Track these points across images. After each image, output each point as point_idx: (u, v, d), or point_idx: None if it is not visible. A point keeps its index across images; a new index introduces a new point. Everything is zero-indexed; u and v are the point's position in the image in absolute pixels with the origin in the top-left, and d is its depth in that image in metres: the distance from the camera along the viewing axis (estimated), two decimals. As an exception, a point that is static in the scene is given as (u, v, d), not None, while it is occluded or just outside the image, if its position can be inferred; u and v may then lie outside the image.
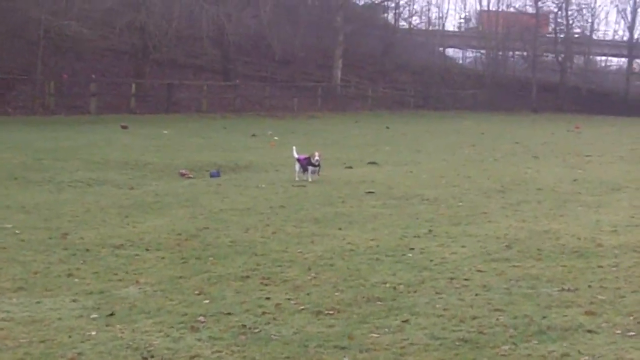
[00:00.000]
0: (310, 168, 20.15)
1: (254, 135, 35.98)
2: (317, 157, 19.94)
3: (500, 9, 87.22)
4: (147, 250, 12.06)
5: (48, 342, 7.76)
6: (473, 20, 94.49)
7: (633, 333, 7.75)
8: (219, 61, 57.68)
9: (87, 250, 11.97)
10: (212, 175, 22.17)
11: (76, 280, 10.25)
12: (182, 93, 50.61)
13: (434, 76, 76.10)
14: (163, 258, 11.54)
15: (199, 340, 7.82)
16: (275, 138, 34.65)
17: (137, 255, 11.73)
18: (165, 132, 35.34)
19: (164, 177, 21.81)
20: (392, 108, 64.41)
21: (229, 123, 43.85)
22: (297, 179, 20.17)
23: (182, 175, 22.28)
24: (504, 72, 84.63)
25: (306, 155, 20.51)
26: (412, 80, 73.38)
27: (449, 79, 77.56)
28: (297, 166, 20.49)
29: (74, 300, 9.27)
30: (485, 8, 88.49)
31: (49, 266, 10.97)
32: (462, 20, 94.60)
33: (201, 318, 8.54)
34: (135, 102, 46.52)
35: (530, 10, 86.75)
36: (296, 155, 20.77)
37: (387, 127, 45.08)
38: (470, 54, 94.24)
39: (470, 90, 76.52)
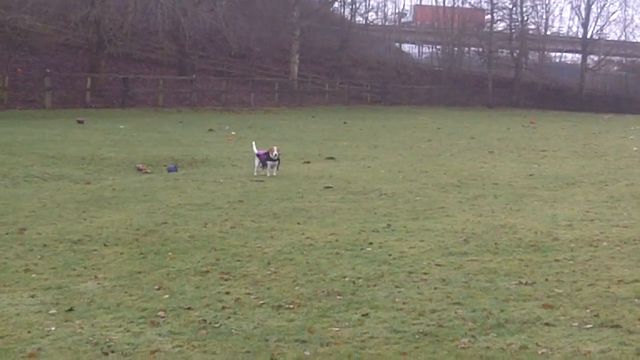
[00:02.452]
0: (269, 163, 20.14)
1: (211, 130, 35.88)
2: (275, 152, 19.93)
3: (456, 5, 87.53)
4: (105, 245, 12.00)
5: (6, 337, 7.71)
6: (408, 15, 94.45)
7: (590, 325, 7.86)
8: (174, 55, 57.42)
9: (45, 245, 11.89)
10: (169, 170, 22.11)
11: (34, 275, 10.19)
12: (138, 87, 50.32)
13: (390, 71, 76.43)
14: (121, 253, 11.50)
15: (160, 335, 7.82)
16: (233, 133, 34.59)
17: (95, 250, 11.67)
18: (122, 126, 35.13)
19: (121, 171, 21.70)
20: (349, 103, 64.53)
21: (185, 118, 43.67)
22: (255, 173, 20.17)
23: (139, 170, 22.19)
24: (460, 67, 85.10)
25: (265, 151, 20.50)
26: (369, 76, 73.60)
27: (405, 74, 77.89)
28: (257, 161, 20.49)
29: (32, 296, 9.22)
30: (438, 3, 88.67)
31: (6, 261, 10.89)
32: (397, 14, 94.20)
33: (161, 313, 8.53)
34: (90, 97, 46.16)
35: (485, 6, 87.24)
36: (255, 151, 20.80)
37: (345, 122, 45.15)
38: (426, 49, 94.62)
39: (426, 86, 76.91)
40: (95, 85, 47.38)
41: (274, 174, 20.08)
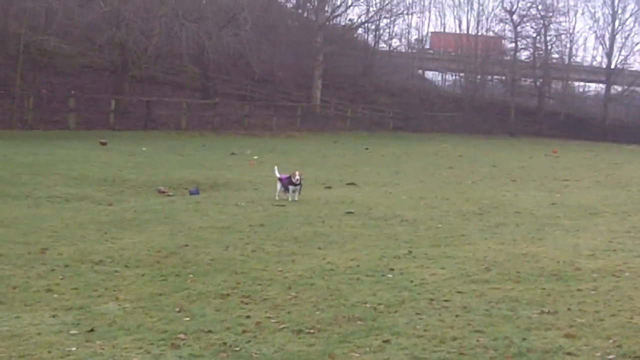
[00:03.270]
0: (290, 187, 20.15)
1: (233, 153, 35.99)
2: (297, 177, 20.02)
3: (479, 33, 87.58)
4: (126, 266, 12.03)
5: (27, 357, 7.72)
6: (425, 42, 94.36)
7: (612, 356, 7.79)
8: (198, 79, 57.70)
9: (66, 265, 11.93)
10: (191, 193, 22.16)
11: (55, 295, 10.22)
12: (161, 110, 50.54)
13: (413, 98, 76.44)
14: (143, 275, 11.52)
15: (180, 357, 7.81)
16: (255, 157, 34.66)
17: (116, 271, 11.70)
18: (144, 149, 35.30)
19: (143, 193, 21.77)
20: (371, 129, 64.54)
21: (207, 141, 43.83)
22: (277, 198, 20.21)
23: (161, 192, 22.26)
24: (483, 95, 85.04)
25: (287, 175, 20.55)
26: (391, 102, 73.64)
27: (428, 101, 77.88)
28: (279, 185, 20.56)
29: (53, 316, 9.24)
30: (465, 31, 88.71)
31: (28, 281, 10.93)
32: (415, 42, 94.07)
33: (181, 335, 8.52)
34: (114, 118, 46.41)
35: (509, 34, 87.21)
36: (278, 175, 20.83)
37: (366, 148, 45.18)
38: (449, 77, 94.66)
39: (449, 113, 76.86)
40: (119, 107, 47.65)
41: (296, 198, 20.06)
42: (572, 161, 41.87)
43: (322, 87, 66.01)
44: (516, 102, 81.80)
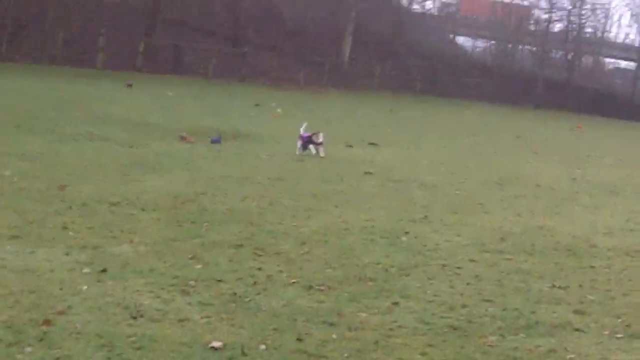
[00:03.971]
0: (311, 146, 20.37)
1: (257, 105, 35.92)
2: (321, 139, 20.26)
3: (513, 1, 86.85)
4: (143, 210, 12.07)
5: (39, 292, 7.77)
6: (459, 7, 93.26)
7: (621, 335, 7.78)
8: (229, 27, 57.51)
9: (84, 204, 11.98)
10: (213, 141, 22.15)
11: (71, 233, 10.27)
12: (189, 55, 50.48)
13: (442, 62, 75.99)
14: (159, 219, 11.56)
15: (189, 304, 7.85)
16: (279, 110, 34.59)
17: (133, 214, 11.74)
18: (170, 93, 35.30)
19: (165, 138, 21.78)
20: (398, 90, 64.28)
21: (233, 90, 43.76)
22: (297, 153, 20.28)
23: (183, 138, 22.25)
24: (512, 65, 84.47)
25: (310, 134, 20.69)
26: (420, 65, 73.18)
27: (457, 66, 77.42)
28: (299, 142, 20.79)
29: (67, 254, 9.29)
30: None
31: (45, 217, 10.99)
32: (446, 5, 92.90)
33: (192, 282, 8.56)
34: (142, 60, 46.35)
35: (543, 4, 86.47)
36: (301, 132, 20.89)
37: (391, 110, 45.01)
38: (480, 43, 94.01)
39: (477, 80, 76.41)
40: (147, 49, 47.57)
41: (322, 154, 20.31)
42: (596, 137, 41.63)
43: (352, 44, 65.62)
44: (545, 74, 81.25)
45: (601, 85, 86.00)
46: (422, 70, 71.90)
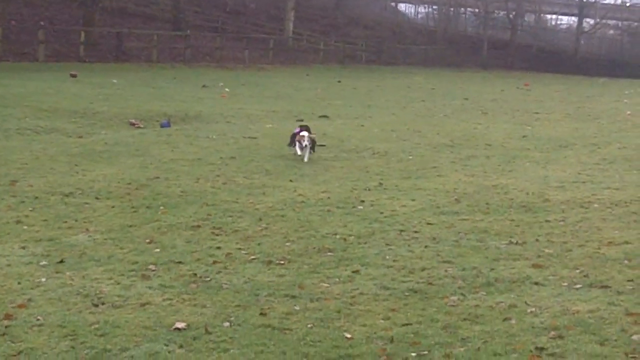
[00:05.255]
0: (297, 144, 16.51)
1: (204, 86, 35.70)
2: (305, 142, 16.17)
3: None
4: (97, 198, 12.00)
5: (-3, 288, 7.72)
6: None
7: (579, 285, 7.89)
8: (169, 10, 57.09)
9: (36, 197, 11.88)
10: (162, 126, 22.01)
11: (25, 227, 10.19)
12: (132, 42, 49.97)
13: (386, 31, 76.04)
14: (113, 207, 11.50)
15: (150, 288, 7.83)
16: (227, 90, 34.43)
17: (86, 203, 11.67)
18: (115, 81, 34.95)
19: (114, 126, 21.61)
20: (344, 62, 64.23)
21: (179, 73, 43.47)
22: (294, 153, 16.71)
23: (132, 124, 22.10)
24: (456, 28, 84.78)
25: (298, 130, 16.77)
26: (364, 35, 73.14)
27: (401, 34, 77.53)
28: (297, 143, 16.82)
29: (23, 247, 9.22)
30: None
31: (-3, 213, 10.88)
32: None
33: (152, 266, 8.55)
34: (84, 51, 45.84)
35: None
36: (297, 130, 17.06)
37: (339, 81, 44.98)
38: (422, 9, 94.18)
39: (422, 46, 76.60)
40: (89, 39, 47.00)
41: (305, 159, 16.17)
42: (544, 94, 41.91)
43: (294, 20, 65.42)
44: (489, 35, 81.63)
45: (545, 42, 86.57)
46: (366, 41, 71.84)
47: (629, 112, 29.49)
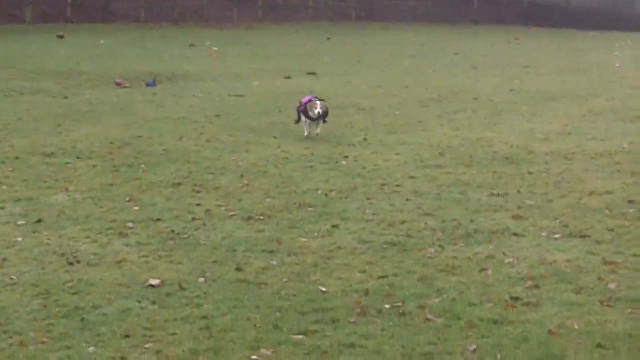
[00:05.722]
0: (305, 119, 13.92)
1: (192, 45, 35.48)
2: (318, 110, 13.55)
3: None
4: (78, 158, 11.91)
5: (-28, 248, 7.67)
6: None
7: (558, 235, 7.86)
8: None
9: (17, 158, 11.79)
10: (148, 85, 21.85)
11: (4, 187, 10.12)
12: (119, 2, 49.58)
13: (376, -13, 75.49)
14: (95, 166, 11.43)
15: (127, 245, 7.79)
16: (215, 49, 34.22)
17: (68, 163, 11.59)
18: (102, 42, 34.70)
19: (99, 86, 21.45)
20: (334, 19, 63.80)
21: (167, 33, 43.14)
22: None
23: (118, 84, 21.93)
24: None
25: (308, 99, 13.96)
26: (354, -9, 72.60)
27: (391, -10, 76.95)
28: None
29: (1, 208, 9.16)
30: None
31: (-23, 174, 10.81)
32: None
33: (130, 224, 8.50)
34: (71, 12, 45.51)
35: None
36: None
37: (328, 38, 44.70)
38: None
39: (412, 2, 76.13)
40: (76, 0, 46.68)
41: (318, 131, 13.94)
42: (534, 48, 41.69)
43: (283, -23, 64.93)
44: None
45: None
46: (357, -3, 71.32)
47: (618, 65, 29.36)
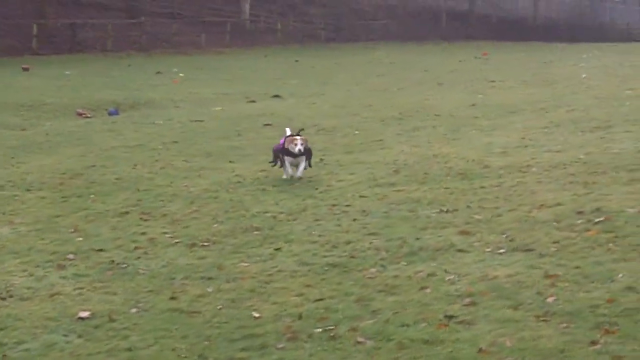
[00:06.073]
0: (288, 160, 11.93)
1: (159, 72, 35.37)
2: (299, 146, 11.67)
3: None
4: (28, 190, 11.75)
5: None
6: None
7: (503, 250, 7.73)
8: (123, -1, 56.56)
9: (-37, 192, 11.61)
10: (110, 114, 21.75)
11: (-53, 223, 9.93)
12: (86, 33, 49.44)
13: (344, 8, 75.60)
14: (43, 197, 11.27)
15: (63, 277, 7.63)
16: (180, 75, 34.10)
17: (16, 195, 11.42)
18: (68, 72, 34.53)
19: (60, 117, 21.31)
20: (303, 42, 63.81)
21: (134, 61, 43.04)
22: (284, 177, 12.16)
23: (79, 114, 21.81)
24: (415, 1, 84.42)
25: (286, 137, 12.14)
26: (323, 13, 72.65)
27: (360, 10, 77.12)
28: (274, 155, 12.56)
29: (-59, 244, 8.97)
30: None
31: None
32: None
33: (70, 255, 8.35)
34: (37, 43, 45.32)
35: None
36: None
37: (296, 61, 44.71)
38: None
39: (382, 21, 76.28)
40: (42, 31, 46.47)
41: (298, 174, 11.86)
42: (502, 62, 41.78)
43: (251, 1, 64.94)
44: (448, 6, 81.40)
45: (504, 11, 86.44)
46: (325, 19, 71.39)
47: (584, 76, 29.38)
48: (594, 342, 5.45)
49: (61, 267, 7.94)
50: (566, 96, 21.91)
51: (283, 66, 41.46)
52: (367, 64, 42.43)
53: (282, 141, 12.05)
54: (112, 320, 6.41)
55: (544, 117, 17.58)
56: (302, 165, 11.90)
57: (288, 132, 12.38)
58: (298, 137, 11.76)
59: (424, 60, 45.67)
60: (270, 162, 12.42)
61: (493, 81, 28.67)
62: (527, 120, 17.21)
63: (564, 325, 5.79)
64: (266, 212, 9.90)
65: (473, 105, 20.23)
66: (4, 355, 5.85)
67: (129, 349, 5.81)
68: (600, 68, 33.49)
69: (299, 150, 11.57)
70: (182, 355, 5.63)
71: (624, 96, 19.88)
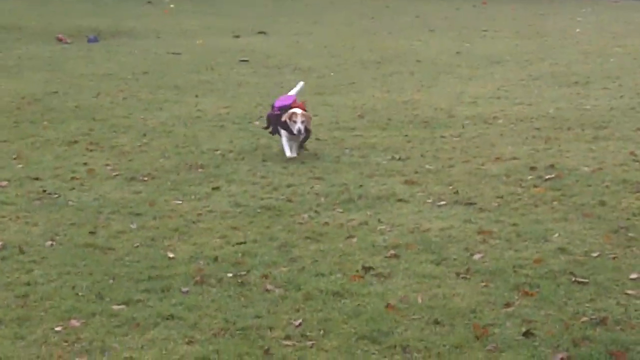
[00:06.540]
0: (283, 133, 9.50)
1: (149, 2, 34.82)
2: (299, 125, 9.22)
3: None
4: (-20, 113, 11.48)
5: None
6: None
7: (443, 202, 7.48)
8: None
9: None
10: (89, 41, 21.34)
11: None
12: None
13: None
14: (-5, 122, 11.00)
15: (-11, 205, 7.38)
16: (171, 5, 33.59)
17: (-35, 118, 11.15)
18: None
19: (38, 41, 20.90)
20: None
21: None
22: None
23: (59, 40, 21.40)
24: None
25: (289, 102, 9.91)
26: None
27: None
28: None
29: None
30: None
31: None
32: None
33: (4, 182, 8.09)
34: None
35: None
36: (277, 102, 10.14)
37: (292, -2, 44.08)
38: None
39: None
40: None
41: (293, 154, 9.43)
42: (499, 12, 41.12)
43: None
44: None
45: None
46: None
47: (578, 30, 28.96)
48: (508, 304, 5.21)
49: (-10, 194, 7.71)
50: (554, 50, 21.53)
51: (276, 2, 40.87)
52: (361, 5, 41.79)
53: (276, 104, 9.88)
54: (21, 252, 6.17)
55: (525, 69, 17.25)
56: (297, 144, 9.54)
57: (298, 87, 10.82)
58: (299, 113, 9.31)
59: (420, 6, 45.00)
60: (265, 128, 9.95)
61: (485, 30, 28.21)
62: (508, 71, 16.89)
63: (483, 284, 5.55)
64: (216, 150, 9.64)
65: (458, 53, 19.87)
66: None
67: (27, 284, 5.55)
68: (596, 24, 33.00)
69: (299, 129, 9.24)
70: (80, 294, 5.38)
71: (612, 52, 19.54)
